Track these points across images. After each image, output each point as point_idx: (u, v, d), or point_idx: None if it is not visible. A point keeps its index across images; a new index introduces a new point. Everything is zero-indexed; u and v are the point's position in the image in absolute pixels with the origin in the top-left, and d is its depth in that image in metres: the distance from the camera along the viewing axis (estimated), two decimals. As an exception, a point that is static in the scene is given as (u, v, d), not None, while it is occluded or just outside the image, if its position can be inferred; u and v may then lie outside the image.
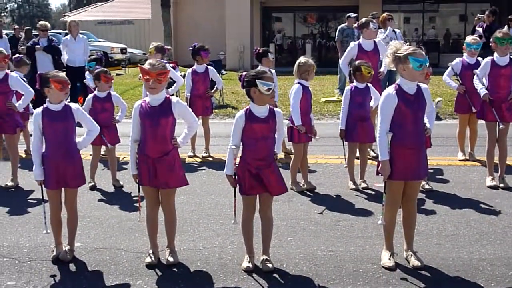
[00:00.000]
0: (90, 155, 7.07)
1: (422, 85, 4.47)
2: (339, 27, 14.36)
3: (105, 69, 7.26)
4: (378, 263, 4.60)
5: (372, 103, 6.82)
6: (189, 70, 8.54)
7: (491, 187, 6.66)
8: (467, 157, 7.98)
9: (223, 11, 24.13)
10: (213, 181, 7.18)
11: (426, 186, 6.55)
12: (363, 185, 6.74)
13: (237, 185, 4.52)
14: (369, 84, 6.77)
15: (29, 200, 6.54)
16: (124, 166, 7.68)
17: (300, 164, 6.75)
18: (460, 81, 7.67)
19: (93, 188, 6.88)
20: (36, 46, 12.06)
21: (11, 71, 7.32)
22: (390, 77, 10.25)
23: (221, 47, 23.03)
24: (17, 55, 8.95)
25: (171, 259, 4.67)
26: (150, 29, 27.85)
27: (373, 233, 5.27)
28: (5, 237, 5.36)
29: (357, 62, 6.90)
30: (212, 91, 8.60)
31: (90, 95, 7.07)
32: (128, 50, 28.40)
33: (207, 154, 8.49)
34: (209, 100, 8.61)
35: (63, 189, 4.75)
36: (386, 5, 24.50)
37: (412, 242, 4.66)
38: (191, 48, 8.44)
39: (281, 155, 7.63)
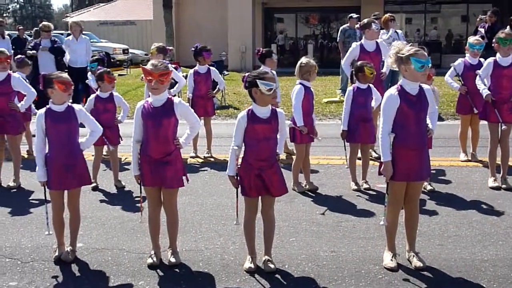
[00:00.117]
0: (92, 155, 7.07)
1: (425, 86, 4.47)
2: (341, 28, 14.36)
3: (108, 69, 7.27)
4: (380, 264, 4.59)
5: (373, 104, 6.82)
6: (191, 71, 8.54)
7: (493, 188, 6.65)
8: (469, 158, 7.97)
9: (225, 11, 24.15)
10: (215, 182, 7.18)
11: (428, 187, 6.54)
12: (365, 185, 6.74)
13: (239, 185, 4.53)
14: (371, 85, 6.77)
15: (31, 201, 6.55)
16: (126, 166, 7.68)
17: (302, 165, 6.75)
18: (462, 82, 7.67)
19: (95, 188, 6.89)
20: (41, 46, 12.02)
21: (13, 72, 7.33)
22: (393, 78, 10.25)
23: (223, 48, 23.04)
24: (19, 56, 8.95)
25: (173, 259, 4.67)
26: (152, 30, 27.91)
27: (375, 234, 5.27)
28: (7, 238, 5.37)
29: (359, 62, 6.89)
30: (214, 91, 8.61)
31: (92, 96, 7.08)
32: (130, 50, 28.44)
33: (209, 155, 8.49)
34: (211, 100, 8.61)
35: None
36: (388, 6, 24.51)
37: (414, 243, 4.66)
38: (193, 49, 8.44)
39: (282, 155, 7.62)
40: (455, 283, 4.33)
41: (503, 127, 6.65)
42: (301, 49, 26.58)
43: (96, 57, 8.89)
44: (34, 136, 6.06)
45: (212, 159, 8.38)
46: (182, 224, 5.12)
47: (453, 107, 10.68)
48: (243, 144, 4.48)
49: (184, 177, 4.64)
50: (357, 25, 8.83)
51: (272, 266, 4.51)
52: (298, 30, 27.86)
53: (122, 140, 7.15)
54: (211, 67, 8.56)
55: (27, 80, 7.88)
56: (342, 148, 6.96)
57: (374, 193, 6.59)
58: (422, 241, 4.99)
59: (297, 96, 6.43)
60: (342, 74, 13.53)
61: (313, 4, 25.82)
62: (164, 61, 5.65)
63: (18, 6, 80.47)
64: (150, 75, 4.44)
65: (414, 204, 4.58)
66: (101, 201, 6.53)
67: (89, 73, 8.89)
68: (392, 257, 4.58)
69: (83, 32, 12.93)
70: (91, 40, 17.21)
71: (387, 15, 11.99)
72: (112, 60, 24.57)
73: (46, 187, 4.73)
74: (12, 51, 11.80)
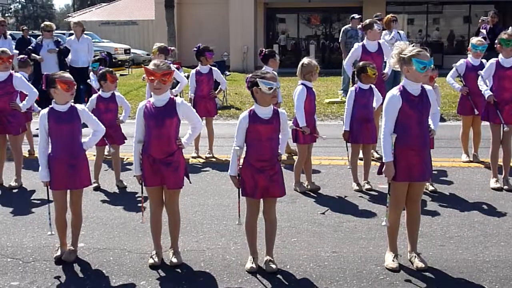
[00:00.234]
0: (94, 155, 7.08)
1: (427, 87, 4.47)
2: (343, 28, 14.35)
3: (110, 69, 7.27)
4: (382, 265, 4.59)
5: (374, 104, 6.82)
6: (193, 71, 8.54)
7: (495, 189, 6.64)
8: (471, 159, 7.96)
9: (227, 12, 24.16)
10: (216, 182, 7.18)
11: (430, 188, 6.54)
12: (367, 186, 6.73)
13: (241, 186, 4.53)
14: (373, 86, 6.77)
15: (32, 201, 6.55)
16: (128, 167, 7.68)
17: (304, 165, 6.74)
18: (464, 83, 7.66)
19: (97, 188, 6.89)
20: (48, 49, 11.93)
21: (15, 72, 7.34)
22: (395, 78, 10.24)
23: (225, 48, 23.05)
24: (21, 56, 8.96)
25: (174, 260, 4.67)
26: (153, 30, 27.92)
27: (377, 234, 5.27)
28: (8, 238, 5.37)
29: (362, 63, 6.89)
30: (216, 92, 8.60)
31: (94, 95, 7.08)
32: (132, 50, 28.46)
33: (211, 155, 8.49)
34: (213, 101, 8.60)
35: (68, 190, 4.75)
36: (390, 6, 24.50)
37: (416, 243, 4.66)
38: (195, 49, 8.43)
39: (284, 156, 7.62)
40: (457, 284, 4.32)
41: (505, 128, 6.64)
42: (303, 49, 26.58)
43: (98, 57, 8.90)
44: (35, 136, 6.06)
45: (213, 159, 8.38)
46: (183, 224, 5.12)
47: (454, 108, 10.64)
48: (245, 145, 4.48)
49: (186, 178, 4.65)
50: (359, 26, 8.83)
51: (273, 266, 4.51)
52: (300, 31, 27.84)
53: (126, 139, 7.14)
54: (213, 67, 8.55)
55: (28, 80, 7.90)
56: (344, 149, 6.96)
57: (376, 193, 6.58)
58: (423, 242, 4.99)
59: (299, 96, 6.42)
60: (344, 74, 13.53)
61: (315, 5, 25.82)
62: (166, 61, 5.66)
63: (20, 6, 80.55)
64: (152, 75, 4.45)
65: (416, 205, 4.58)
66: (103, 201, 6.53)
67: (91, 73, 8.90)
68: (393, 257, 4.58)
69: (85, 32, 12.92)
70: (93, 40, 17.18)
71: (389, 15, 11.97)
72: (113, 60, 24.57)
73: (49, 187, 4.73)
74: (17, 51, 11.76)
